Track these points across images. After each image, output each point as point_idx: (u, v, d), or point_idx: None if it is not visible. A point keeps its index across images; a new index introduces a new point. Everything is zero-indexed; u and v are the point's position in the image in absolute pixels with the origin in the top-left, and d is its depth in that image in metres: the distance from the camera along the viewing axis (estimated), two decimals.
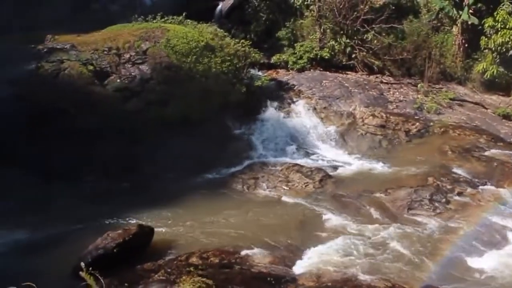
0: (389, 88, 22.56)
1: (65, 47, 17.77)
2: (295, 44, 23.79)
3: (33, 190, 14.54)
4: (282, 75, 22.77)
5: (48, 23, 19.68)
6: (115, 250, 11.25)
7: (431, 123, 20.27)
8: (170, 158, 16.48)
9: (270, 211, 14.44)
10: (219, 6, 25.89)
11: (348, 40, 23.47)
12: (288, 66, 23.38)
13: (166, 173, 16.29)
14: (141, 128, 16.70)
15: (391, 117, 20.24)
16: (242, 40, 21.29)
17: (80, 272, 6.71)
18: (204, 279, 9.67)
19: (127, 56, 17.88)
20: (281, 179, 16.27)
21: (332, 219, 13.85)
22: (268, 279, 10.66)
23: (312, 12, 23.90)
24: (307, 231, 13.29)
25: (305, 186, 15.95)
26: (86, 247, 11.45)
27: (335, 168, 17.52)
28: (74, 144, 15.51)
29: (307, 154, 18.55)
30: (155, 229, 12.49)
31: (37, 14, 20.70)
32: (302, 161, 17.85)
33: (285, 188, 15.93)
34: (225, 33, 21.51)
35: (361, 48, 23.47)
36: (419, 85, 22.64)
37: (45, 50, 17.61)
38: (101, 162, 15.90)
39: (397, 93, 22.22)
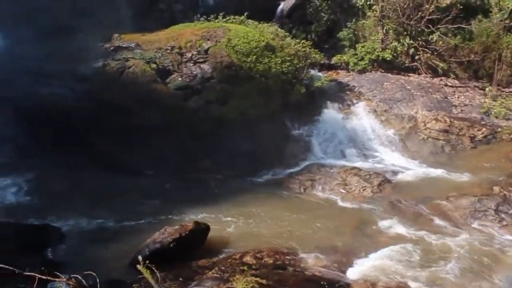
0: (454, 92, 21.69)
1: (130, 46, 18.39)
2: (357, 45, 23.38)
3: (100, 182, 15.27)
4: (343, 76, 22.45)
5: (116, 22, 20.46)
6: (171, 245, 11.50)
7: (499, 129, 19.29)
8: (228, 156, 16.71)
9: (326, 214, 14.28)
10: (281, 6, 25.85)
11: (411, 41, 22.80)
12: (349, 67, 23.02)
13: (224, 170, 16.52)
14: (201, 126, 17.02)
15: (455, 121, 19.45)
16: (303, 41, 21.19)
17: (138, 265, 6.92)
18: (257, 279, 9.71)
19: (189, 55, 18.25)
20: (338, 182, 16.05)
21: (389, 225, 13.49)
22: (322, 283, 10.53)
23: (375, 12, 23.39)
24: (363, 236, 13.02)
25: (363, 190, 15.65)
26: (144, 240, 11.79)
27: (395, 173, 17.07)
28: (136, 140, 16.14)
29: (366, 158, 18.20)
30: (211, 226, 12.66)
31: (106, 13, 21.58)
32: (360, 164, 17.52)
33: (342, 191, 15.71)
34: (286, 33, 21.52)
35: (425, 49, 22.72)
36: (487, 89, 21.60)
37: (111, 48, 18.32)
38: (162, 158, 16.36)
39: (462, 97, 21.34)
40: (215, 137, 16.83)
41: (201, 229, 12.30)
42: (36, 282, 5.45)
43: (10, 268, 4.52)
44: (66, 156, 16.14)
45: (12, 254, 11.48)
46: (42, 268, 5.66)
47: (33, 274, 4.87)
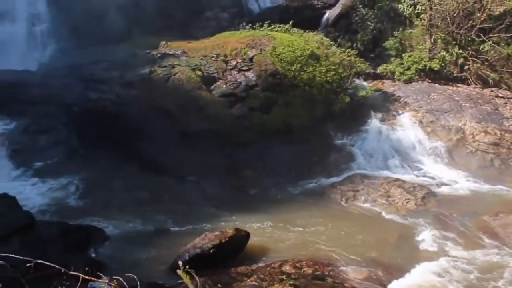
0: (506, 103, 20.90)
1: (177, 53, 18.81)
2: (403, 54, 22.96)
3: (144, 185, 15.65)
4: (388, 86, 22.08)
5: (165, 29, 21.02)
6: (211, 251, 11.61)
7: None
8: (270, 164, 16.75)
9: (367, 225, 14.06)
10: (326, 15, 25.76)
11: (460, 51, 22.17)
12: (395, 76, 22.62)
13: (266, 178, 16.56)
14: (243, 133, 17.14)
15: (506, 134, 18.74)
16: (348, 49, 21.02)
17: (178, 270, 7.02)
18: None
19: (234, 62, 18.46)
20: (381, 194, 15.78)
21: (433, 240, 13.12)
22: None
23: (423, 21, 22.91)
24: (405, 250, 12.73)
25: (406, 202, 15.31)
26: (184, 245, 11.96)
27: (440, 186, 16.61)
28: (180, 145, 16.46)
29: (410, 169, 17.79)
30: (251, 234, 12.69)
31: (155, 20, 22.21)
32: (404, 176, 17.16)
33: (385, 203, 15.42)
34: (331, 42, 21.42)
35: (475, 59, 22.04)
36: None
37: (158, 55, 18.79)
38: (204, 164, 16.57)
39: None
40: (257, 145, 16.92)
41: (241, 236, 12.36)
42: (80, 282, 5.61)
43: (56, 266, 4.70)
44: (113, 159, 16.67)
45: (57, 253, 11.93)
46: (86, 269, 5.84)
47: (77, 273, 5.03)
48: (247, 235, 12.53)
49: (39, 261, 4.62)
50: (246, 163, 16.70)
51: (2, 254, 4.58)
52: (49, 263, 4.73)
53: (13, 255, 4.44)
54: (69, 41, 20.88)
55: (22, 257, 4.52)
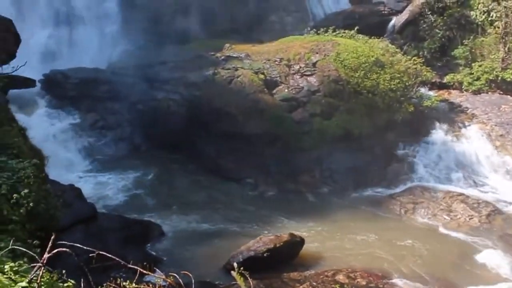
0: None
1: (240, 56, 19.00)
2: (473, 64, 22.01)
3: (203, 185, 15.99)
4: (455, 96, 21.25)
5: (229, 32, 21.33)
6: (265, 255, 11.65)
7: None
8: (329, 171, 16.61)
9: (426, 240, 13.58)
10: (392, 21, 25.17)
11: None
12: (462, 87, 21.73)
13: (324, 185, 16.44)
14: (303, 139, 17.06)
15: None
16: (414, 57, 20.43)
17: (232, 272, 7.07)
18: None
19: (297, 67, 18.41)
20: (442, 208, 15.20)
21: (496, 261, 12.49)
22: None
23: (497, 28, 21.88)
24: (465, 269, 12.20)
25: (469, 219, 14.65)
26: (238, 246, 12.07)
27: (507, 204, 15.76)
28: (240, 147, 16.66)
29: (475, 184, 17.01)
30: (306, 240, 12.61)
31: (220, 22, 22.59)
32: (468, 191, 16.44)
33: (446, 218, 14.83)
34: (396, 49, 20.88)
35: None
36: None
37: (222, 58, 19.06)
38: (263, 167, 16.65)
39: None
40: (317, 150, 16.79)
41: (296, 242, 12.31)
42: (137, 275, 5.77)
43: (116, 259, 4.86)
44: (174, 157, 17.14)
45: (116, 244, 12.39)
46: (145, 263, 6.01)
47: (136, 267, 5.18)
48: (301, 241, 12.46)
49: (101, 252, 4.79)
50: (304, 168, 16.61)
51: (68, 243, 4.79)
52: (110, 255, 4.90)
53: (78, 245, 4.63)
54: (138, 42, 21.63)
55: (85, 247, 4.71)
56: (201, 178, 16.37)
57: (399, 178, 17.15)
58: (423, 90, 20.33)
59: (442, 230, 14.30)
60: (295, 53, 18.88)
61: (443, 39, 23.57)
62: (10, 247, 5.43)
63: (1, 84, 11.46)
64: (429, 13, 23.67)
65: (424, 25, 23.80)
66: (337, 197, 15.91)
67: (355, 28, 20.93)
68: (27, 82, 15.88)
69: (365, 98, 17.98)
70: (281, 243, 11.92)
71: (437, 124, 19.03)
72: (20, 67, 13.33)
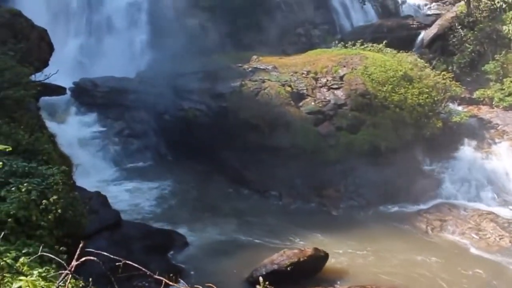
0: None
1: (268, 68, 19.03)
2: (504, 79, 21.54)
3: (227, 196, 15.99)
4: (485, 112, 20.81)
5: (257, 44, 21.43)
6: (288, 269, 11.54)
7: None
8: (354, 185, 16.42)
9: (454, 259, 13.26)
10: (421, 35, 24.94)
11: None
12: (493, 103, 21.28)
13: (349, 199, 16.26)
14: (329, 152, 16.94)
15: None
16: (443, 72, 20.15)
17: (257, 286, 7.01)
18: None
19: (324, 80, 18.34)
20: (471, 226, 14.83)
21: None
22: None
23: None
24: None
25: (500, 239, 14.26)
26: (262, 259, 11.98)
27: None
28: (265, 159, 16.61)
29: (506, 203, 16.57)
30: (330, 255, 12.43)
31: (248, 34, 22.74)
32: (498, 209, 16.03)
33: (475, 237, 14.46)
34: (425, 64, 20.64)
35: None
36: None
37: (249, 69, 19.12)
38: (287, 180, 16.56)
39: None
40: (342, 164, 16.64)
41: (320, 257, 12.16)
42: (162, 285, 5.76)
43: (143, 269, 4.85)
44: (199, 168, 17.20)
45: (140, 253, 12.46)
46: (171, 275, 6.01)
47: (161, 278, 5.17)
48: (325, 256, 12.30)
49: (128, 261, 4.80)
50: (329, 182, 16.47)
51: (95, 251, 4.81)
52: (136, 265, 4.91)
53: (105, 253, 4.65)
54: (165, 52, 21.88)
55: (112, 256, 4.72)
56: (225, 189, 16.38)
57: (426, 194, 16.82)
58: (452, 105, 20.00)
59: (471, 249, 13.94)
60: (322, 66, 18.82)
61: (473, 54, 23.19)
62: (39, 253, 5.49)
63: (34, 91, 11.69)
64: (459, 27, 23.37)
65: (454, 40, 23.49)
66: (363, 212, 15.71)
67: (383, 42, 20.79)
68: (58, 90, 16.21)
69: (393, 113, 17.78)
70: (305, 258, 11.79)
71: (466, 140, 18.66)
72: (52, 75, 13.64)
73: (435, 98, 18.65)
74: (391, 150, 17.11)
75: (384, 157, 16.92)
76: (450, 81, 19.57)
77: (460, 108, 20.61)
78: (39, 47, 14.32)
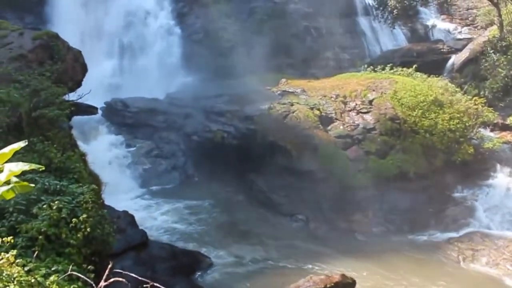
0: None
1: (296, 91, 19.06)
2: None
3: (253, 219, 15.89)
4: None
5: (286, 67, 21.53)
6: None
7: None
8: (382, 211, 16.11)
9: None
10: (452, 59, 24.63)
11: None
12: None
13: (377, 225, 15.94)
14: (357, 176, 16.71)
15: None
16: (475, 97, 19.78)
17: None
18: None
19: (353, 104, 18.24)
20: (506, 257, 14.31)
21: None
22: None
23: None
24: None
25: None
26: (287, 283, 11.75)
27: None
28: (292, 183, 16.51)
29: None
30: (357, 281, 12.14)
31: (277, 57, 22.90)
32: None
33: (510, 268, 13.94)
34: (456, 88, 20.33)
35: None
36: None
37: (278, 92, 19.19)
38: (314, 204, 16.38)
39: None
40: (371, 189, 16.37)
41: (347, 283, 11.86)
42: None
43: None
44: (226, 189, 17.20)
45: (165, 273, 12.43)
46: None
47: None
48: (353, 283, 12.00)
49: (155, 284, 4.76)
50: (357, 207, 16.20)
51: (123, 272, 4.79)
52: (162, 287, 4.87)
53: (132, 274, 4.64)
54: (195, 74, 22.23)
55: (140, 277, 4.70)
56: (252, 212, 16.29)
57: (457, 222, 16.37)
58: (484, 131, 19.55)
59: (506, 281, 13.43)
60: (351, 90, 18.74)
61: (506, 79, 22.72)
62: (69, 272, 5.52)
63: (67, 111, 11.95)
64: (491, 51, 23.00)
65: (486, 64, 23.08)
66: (391, 238, 15.36)
67: (413, 66, 20.61)
68: (90, 110, 16.51)
69: (422, 138, 17.50)
70: (332, 284, 11.51)
71: (499, 167, 18.18)
72: (85, 95, 13.96)
73: (467, 124, 18.29)
74: (421, 176, 16.80)
75: (413, 183, 16.61)
76: (482, 106, 19.19)
77: (492, 134, 20.12)
78: (73, 68, 14.69)
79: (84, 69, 15.29)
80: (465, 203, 17.06)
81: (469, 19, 27.99)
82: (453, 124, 17.76)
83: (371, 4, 26.95)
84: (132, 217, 14.18)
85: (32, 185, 2.33)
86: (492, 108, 19.83)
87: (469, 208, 16.85)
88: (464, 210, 16.80)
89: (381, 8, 25.58)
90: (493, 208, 16.85)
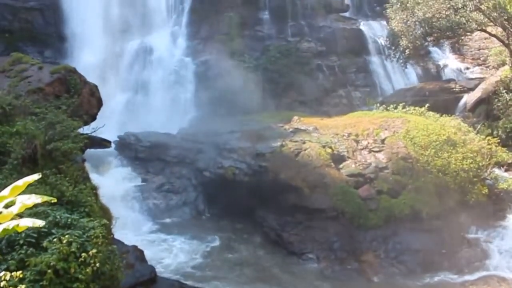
0: None
1: (309, 128, 19.07)
2: None
3: (263, 256, 15.66)
4: None
5: (298, 104, 21.68)
6: None
7: None
8: (395, 251, 15.80)
9: None
10: (464, 99, 24.65)
11: None
12: None
13: (389, 266, 15.58)
14: (369, 216, 16.51)
15: None
16: (488, 137, 19.66)
17: None
18: None
19: (365, 143, 18.19)
20: None
21: None
22: None
23: None
24: None
25: None
26: None
27: None
28: (303, 221, 16.33)
29: None
30: None
31: (289, 95, 23.10)
32: None
33: None
34: (468, 128, 20.24)
35: None
36: None
37: (290, 130, 19.21)
38: (325, 243, 16.14)
39: None
40: (382, 229, 16.13)
41: None
42: None
43: None
44: (237, 226, 17.09)
45: None
46: None
47: None
48: None
49: None
50: (369, 247, 15.93)
51: None
52: None
53: None
54: (208, 110, 22.46)
55: None
56: (262, 249, 16.10)
57: (472, 264, 15.96)
58: (498, 171, 19.32)
59: None
60: (363, 129, 18.73)
61: None
62: None
63: (81, 144, 12.07)
64: (504, 91, 22.99)
65: (499, 104, 23.02)
66: (404, 280, 14.99)
67: (426, 105, 20.63)
68: (104, 143, 16.69)
69: (435, 177, 17.32)
70: None
71: None
72: (99, 128, 14.13)
73: (480, 164, 18.09)
74: (434, 216, 16.53)
75: (426, 223, 16.33)
76: (495, 146, 19.03)
77: (507, 174, 19.88)
78: (89, 101, 14.95)
79: (99, 103, 15.55)
80: (480, 245, 16.68)
81: (481, 59, 28.18)
82: (466, 164, 17.57)
83: (383, 43, 27.29)
84: (141, 252, 14.03)
85: (42, 222, 2.35)
86: (506, 148, 19.64)
87: (484, 250, 16.47)
88: (479, 252, 16.41)
89: (393, 48, 25.85)
90: (509, 250, 16.44)
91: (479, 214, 17.36)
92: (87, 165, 14.51)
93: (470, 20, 22.61)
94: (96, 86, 15.61)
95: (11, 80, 14.78)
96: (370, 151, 17.93)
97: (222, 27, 24.60)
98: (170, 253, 15.96)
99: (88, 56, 23.02)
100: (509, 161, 20.31)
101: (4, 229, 2.30)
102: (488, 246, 16.58)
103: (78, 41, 24.04)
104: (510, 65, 23.37)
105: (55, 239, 7.79)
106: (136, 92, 24.13)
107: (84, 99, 14.80)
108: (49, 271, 7.33)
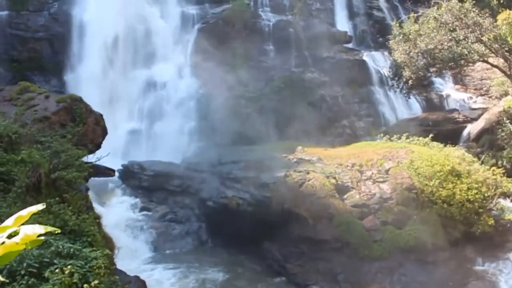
0: None
1: (312, 159, 19.03)
2: None
3: (267, 286, 15.40)
4: None
5: (302, 134, 21.69)
6: None
7: None
8: (400, 283, 15.54)
9: None
10: (467, 129, 24.71)
11: None
12: None
13: None
14: (373, 247, 16.31)
15: None
16: (493, 167, 19.58)
17: None
18: None
19: (369, 173, 18.12)
20: None
21: None
22: None
23: None
24: None
25: None
26: None
27: None
28: (307, 252, 16.14)
29: None
30: None
31: (292, 125, 23.15)
32: None
33: None
34: (473, 158, 20.19)
35: None
36: None
37: (294, 160, 19.15)
38: (330, 274, 15.92)
39: None
40: (387, 261, 15.91)
41: None
42: None
43: None
44: (240, 257, 16.89)
45: None
46: None
47: None
48: None
49: None
50: (373, 279, 15.68)
51: None
52: None
53: None
54: (212, 139, 22.50)
55: None
56: (266, 281, 15.86)
57: None
58: (504, 202, 19.15)
59: None
60: (367, 159, 18.69)
61: None
62: None
63: (86, 173, 12.10)
64: (507, 121, 23.03)
65: (503, 134, 23.03)
66: None
67: (429, 135, 20.64)
68: (107, 172, 16.71)
69: (440, 208, 17.18)
70: None
71: None
72: (103, 157, 14.17)
73: (485, 194, 17.96)
74: (439, 248, 16.31)
75: (432, 255, 16.11)
76: (500, 176, 18.93)
77: None
78: (94, 130, 15.05)
79: (104, 132, 15.64)
80: (488, 277, 16.41)
81: (483, 89, 28.31)
82: (471, 195, 17.45)
83: (386, 74, 27.51)
84: (143, 282, 13.85)
85: (42, 238, 2.34)
86: (511, 179, 19.54)
87: (492, 283, 16.17)
88: (487, 285, 16.11)
89: (396, 79, 26.06)
90: None
91: (486, 246, 17.14)
92: (90, 194, 14.50)
93: (472, 51, 22.85)
94: (101, 115, 15.73)
95: (18, 109, 14.94)
96: (374, 181, 17.84)
97: (227, 57, 24.87)
98: (171, 283, 15.77)
99: (92, 86, 23.28)
100: None
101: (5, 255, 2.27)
102: (496, 279, 16.31)
103: (83, 73, 24.41)
104: None
105: (57, 270, 7.72)
106: (140, 121, 24.28)
107: (89, 128, 14.91)
108: None
